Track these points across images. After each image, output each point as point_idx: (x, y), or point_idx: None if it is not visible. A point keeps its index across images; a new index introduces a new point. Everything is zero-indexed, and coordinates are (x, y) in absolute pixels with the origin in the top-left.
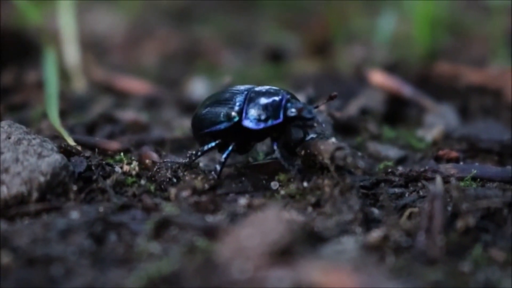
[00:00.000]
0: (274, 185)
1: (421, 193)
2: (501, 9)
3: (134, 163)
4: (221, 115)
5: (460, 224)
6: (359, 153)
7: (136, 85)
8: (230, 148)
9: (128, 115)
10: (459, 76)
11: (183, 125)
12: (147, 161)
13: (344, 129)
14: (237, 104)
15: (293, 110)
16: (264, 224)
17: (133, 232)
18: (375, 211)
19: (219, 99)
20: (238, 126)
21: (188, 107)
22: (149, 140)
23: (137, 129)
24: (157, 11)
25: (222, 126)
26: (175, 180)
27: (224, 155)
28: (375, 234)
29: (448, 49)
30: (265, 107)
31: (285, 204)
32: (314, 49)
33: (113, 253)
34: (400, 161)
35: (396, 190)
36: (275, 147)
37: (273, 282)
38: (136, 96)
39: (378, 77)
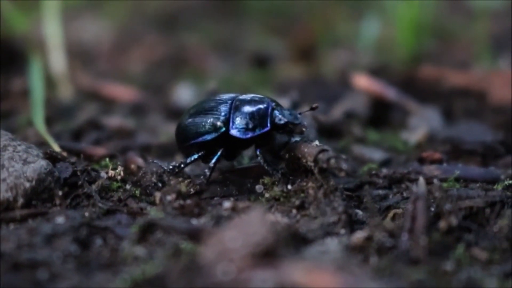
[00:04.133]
0: (259, 188)
1: (404, 194)
2: (484, 12)
3: (119, 168)
4: (207, 126)
5: (442, 224)
6: (343, 156)
7: (122, 92)
8: (219, 153)
9: (114, 121)
10: (443, 79)
11: (169, 131)
12: (132, 166)
13: (329, 132)
14: (223, 114)
15: (281, 118)
16: (248, 226)
17: (119, 236)
18: (359, 212)
19: (203, 109)
20: (224, 135)
21: (174, 113)
22: (135, 145)
23: (123, 135)
24: (144, 18)
25: (209, 137)
26: (160, 184)
27: (213, 161)
28: (359, 235)
29: (432, 52)
30: (252, 116)
31: (270, 207)
32: (299, 54)
33: (98, 257)
34: (385, 163)
35: (380, 191)
36: (258, 153)
37: (256, 283)
38: (122, 103)
39: (362, 81)
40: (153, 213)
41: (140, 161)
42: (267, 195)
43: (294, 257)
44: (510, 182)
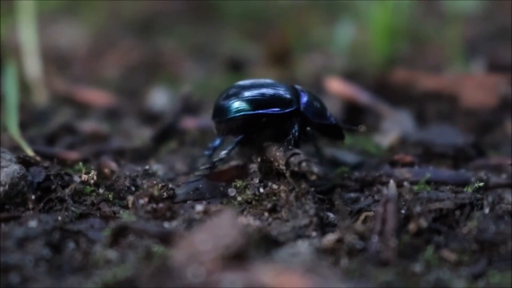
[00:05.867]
0: (231, 191)
1: (376, 197)
2: (457, 17)
3: (93, 172)
4: (280, 99)
5: (412, 226)
6: (314, 159)
7: (97, 96)
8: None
9: (88, 125)
10: (415, 82)
11: (143, 135)
12: (106, 170)
13: None
14: (291, 93)
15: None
16: (218, 229)
17: (91, 240)
18: (331, 215)
19: (268, 85)
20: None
21: (148, 117)
22: (109, 150)
23: (97, 140)
24: (120, 23)
25: (281, 110)
26: (133, 188)
27: (295, 131)
28: (330, 238)
29: (406, 56)
30: (320, 102)
31: (242, 210)
32: (274, 58)
33: (70, 261)
34: (357, 166)
35: (352, 194)
36: (312, 131)
37: (225, 284)
38: (97, 107)
39: (335, 85)
40: (126, 216)
41: (113, 165)
42: (239, 198)
43: (264, 259)
44: (480, 184)
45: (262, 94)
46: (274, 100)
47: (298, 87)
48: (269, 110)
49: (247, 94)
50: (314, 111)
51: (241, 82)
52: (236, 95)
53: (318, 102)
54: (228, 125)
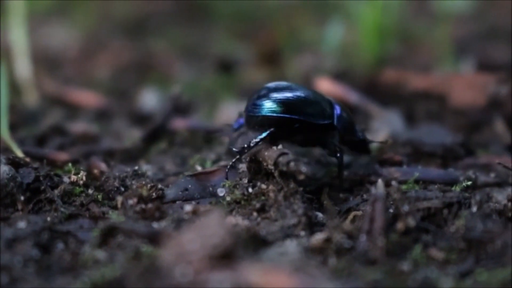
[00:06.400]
0: (220, 191)
1: (365, 196)
2: (447, 16)
3: (82, 173)
4: (318, 110)
5: (400, 225)
6: (303, 159)
7: (88, 97)
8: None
9: (78, 126)
10: (404, 82)
11: (133, 136)
12: (95, 171)
13: None
14: (327, 105)
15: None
16: (206, 228)
17: (80, 240)
18: (320, 215)
19: (312, 93)
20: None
21: (139, 118)
22: (99, 150)
23: (87, 140)
24: (111, 24)
25: (320, 121)
26: (122, 189)
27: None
28: (318, 237)
29: (396, 56)
30: (350, 117)
31: (231, 210)
32: (264, 59)
33: (59, 261)
34: (347, 166)
35: (341, 194)
36: (340, 156)
37: (213, 284)
38: (87, 108)
39: (325, 85)
40: (115, 217)
41: (103, 166)
42: (228, 198)
43: (252, 259)
44: (468, 183)
45: (302, 100)
46: (311, 109)
47: (331, 99)
48: (304, 117)
49: (286, 95)
50: (346, 126)
51: (284, 83)
52: (275, 95)
53: (349, 116)
54: (259, 121)
